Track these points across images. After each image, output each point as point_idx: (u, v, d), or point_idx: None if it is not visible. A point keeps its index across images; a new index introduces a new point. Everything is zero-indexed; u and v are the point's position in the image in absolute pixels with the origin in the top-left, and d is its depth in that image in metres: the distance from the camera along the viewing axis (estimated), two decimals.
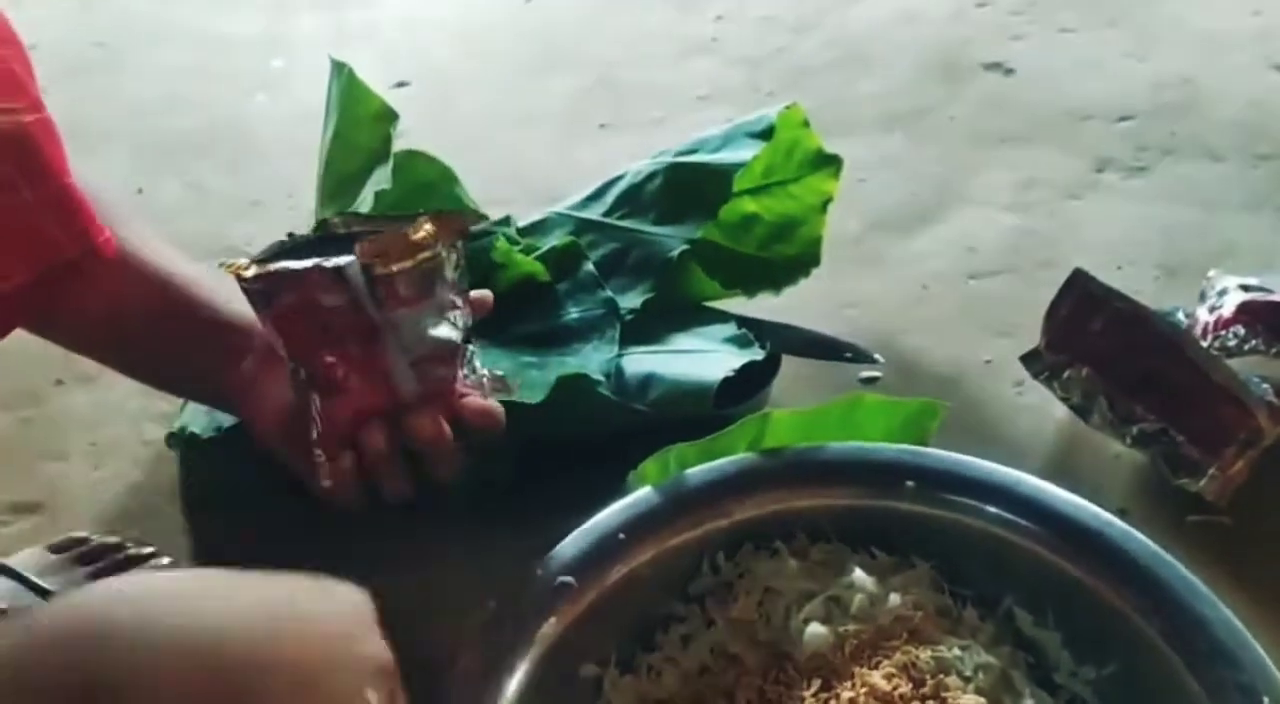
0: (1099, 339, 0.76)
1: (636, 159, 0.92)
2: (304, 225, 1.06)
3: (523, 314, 0.82)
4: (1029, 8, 1.17)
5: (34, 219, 0.64)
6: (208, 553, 0.81)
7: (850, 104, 1.11)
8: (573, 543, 0.63)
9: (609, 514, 0.64)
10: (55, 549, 0.79)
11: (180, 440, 0.83)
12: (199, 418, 0.81)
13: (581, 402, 0.75)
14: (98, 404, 0.94)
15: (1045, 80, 1.09)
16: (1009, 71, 1.11)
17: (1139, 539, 0.60)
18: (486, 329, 0.81)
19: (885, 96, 1.12)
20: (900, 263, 0.96)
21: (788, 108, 0.90)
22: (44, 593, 0.75)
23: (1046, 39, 1.13)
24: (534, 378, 0.77)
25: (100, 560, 0.79)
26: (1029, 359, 0.79)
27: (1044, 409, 0.81)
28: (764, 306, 0.88)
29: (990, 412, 0.82)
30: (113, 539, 0.80)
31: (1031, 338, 0.80)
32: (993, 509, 0.63)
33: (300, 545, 0.79)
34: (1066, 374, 0.78)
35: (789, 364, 0.83)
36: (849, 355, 0.85)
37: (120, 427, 0.92)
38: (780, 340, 0.84)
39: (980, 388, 0.84)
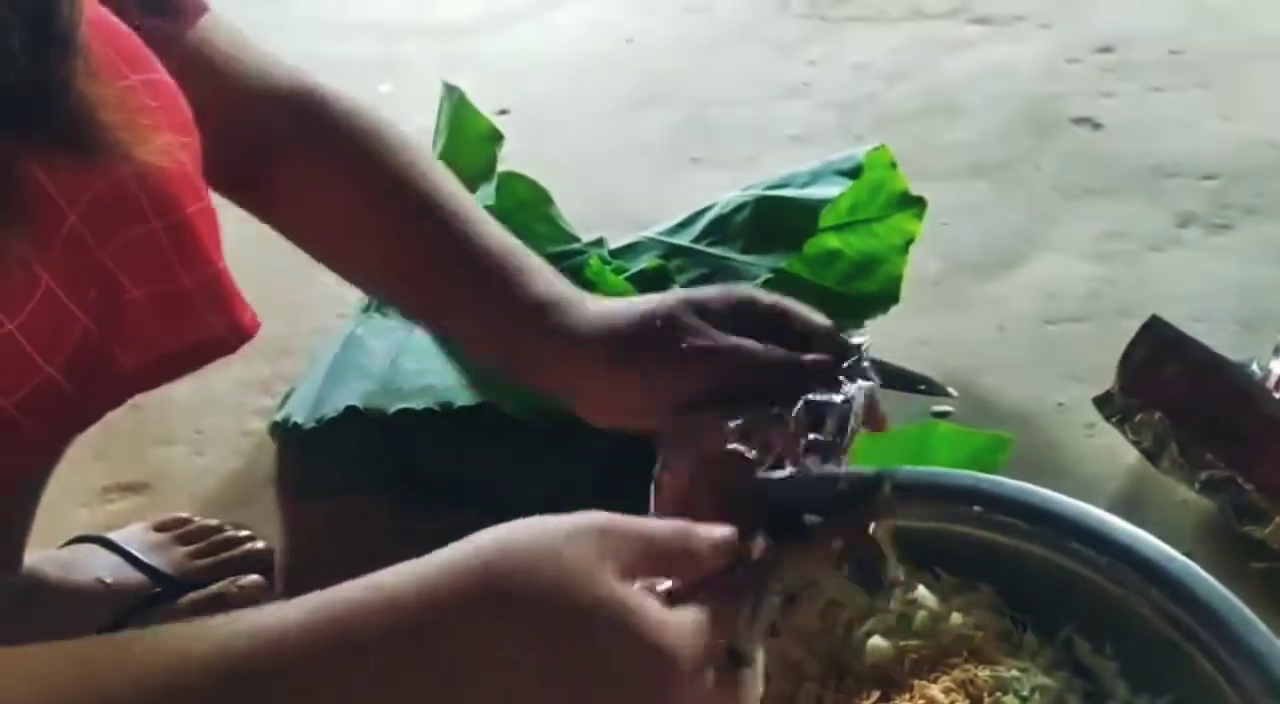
0: (1172, 385, 0.78)
1: (726, 193, 0.96)
2: None
3: None
4: (1120, 66, 1.19)
5: (188, 301, 0.67)
6: (301, 539, 0.85)
7: (938, 151, 1.14)
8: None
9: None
10: (159, 528, 0.84)
11: (283, 430, 0.88)
12: (302, 409, 0.85)
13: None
14: (203, 395, 1.00)
15: (1133, 136, 1.11)
16: (1097, 126, 1.13)
17: (1200, 574, 0.61)
18: None
19: (973, 145, 1.14)
20: (978, 305, 0.98)
21: (876, 148, 0.93)
22: (146, 568, 0.80)
23: (1136, 97, 1.15)
24: None
25: (200, 541, 0.83)
26: (1102, 402, 0.81)
27: (1115, 452, 0.82)
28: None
29: (1061, 452, 0.83)
30: (213, 522, 0.85)
31: (1105, 383, 0.82)
32: (1057, 538, 0.65)
33: (392, 539, 0.84)
34: (1139, 418, 0.79)
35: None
36: (923, 387, 0.86)
37: (223, 417, 0.98)
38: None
39: (1052, 429, 0.86)
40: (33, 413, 0.59)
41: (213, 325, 0.69)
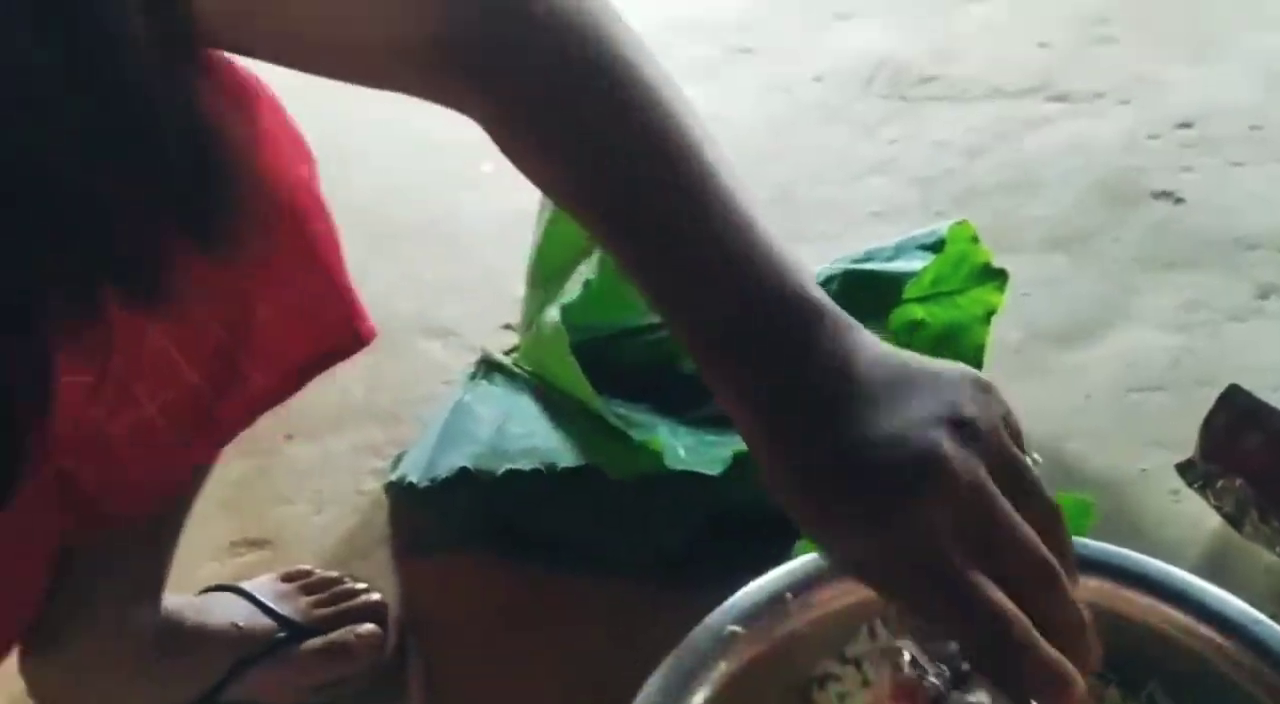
0: (1252, 453, 0.80)
1: (816, 265, 1.01)
2: (507, 309, 1.18)
3: (706, 396, 0.90)
4: (1199, 141, 1.22)
5: (314, 314, 0.74)
6: (414, 592, 0.91)
7: (1018, 225, 1.18)
8: (743, 598, 0.70)
9: (778, 575, 0.71)
10: (285, 579, 0.90)
11: (398, 489, 0.94)
12: (416, 469, 0.91)
13: (755, 476, 0.83)
14: (322, 458, 1.06)
15: (1212, 210, 1.14)
16: (1178, 200, 1.16)
17: None
18: (674, 408, 0.90)
19: (1053, 219, 1.18)
20: (1061, 374, 1.01)
21: (958, 223, 0.97)
22: (274, 615, 0.86)
23: (1216, 171, 1.18)
24: (713, 454, 0.85)
25: (321, 591, 0.89)
26: (1184, 468, 0.83)
27: (1198, 517, 0.84)
28: None
29: (1145, 516, 0.86)
30: (333, 574, 0.91)
31: (1188, 450, 0.84)
32: (1143, 597, 0.68)
33: (499, 592, 0.89)
34: (1220, 484, 0.81)
35: None
36: None
37: (340, 478, 1.04)
38: None
39: (1136, 494, 0.88)
40: (174, 420, 0.66)
41: (335, 334, 0.75)
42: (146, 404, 0.65)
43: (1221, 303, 1.04)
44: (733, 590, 0.70)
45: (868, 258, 0.98)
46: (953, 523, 0.44)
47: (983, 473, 0.45)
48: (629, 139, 0.52)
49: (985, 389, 0.49)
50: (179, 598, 0.85)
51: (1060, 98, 1.35)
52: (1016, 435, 0.49)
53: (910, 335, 0.99)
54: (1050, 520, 0.47)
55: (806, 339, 0.47)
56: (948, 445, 0.45)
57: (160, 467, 0.70)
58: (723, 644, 0.68)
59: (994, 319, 0.98)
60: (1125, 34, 1.43)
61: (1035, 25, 1.49)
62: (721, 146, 0.54)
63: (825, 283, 0.97)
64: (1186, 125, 1.24)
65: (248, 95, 0.69)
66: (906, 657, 0.54)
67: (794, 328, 0.47)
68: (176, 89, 0.50)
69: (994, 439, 0.47)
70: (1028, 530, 0.45)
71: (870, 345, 0.48)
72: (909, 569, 0.45)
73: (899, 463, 0.45)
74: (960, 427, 0.46)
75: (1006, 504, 0.45)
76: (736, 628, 0.69)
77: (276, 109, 0.71)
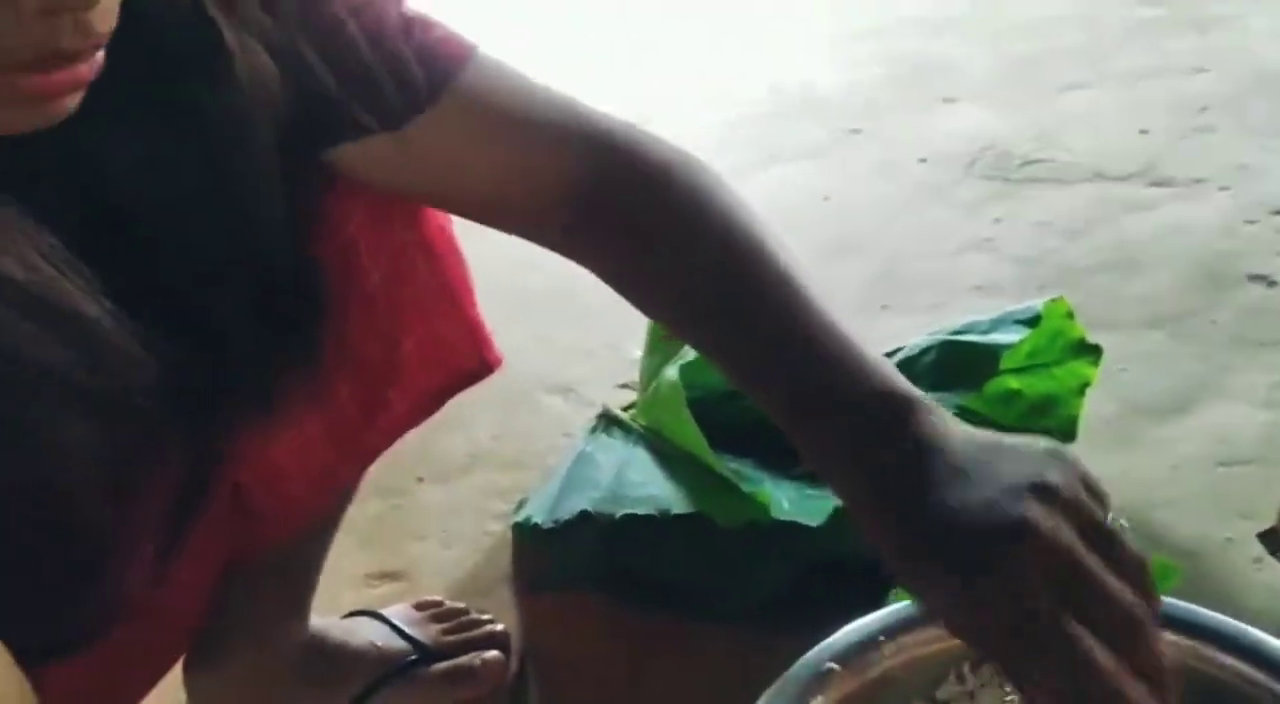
0: None
1: (915, 337, 1.07)
2: (624, 370, 1.26)
3: None
4: None
5: (448, 344, 0.85)
6: (533, 625, 0.99)
7: (1117, 303, 1.23)
8: (840, 639, 0.76)
9: (873, 619, 0.77)
10: (418, 607, 0.99)
11: (522, 529, 1.03)
12: (541, 512, 1.00)
13: (856, 531, 0.89)
14: (451, 499, 1.16)
15: None
16: (1271, 283, 1.20)
17: None
18: (779, 464, 0.97)
19: (1151, 299, 1.22)
20: (1153, 445, 1.06)
21: (1054, 300, 1.03)
22: (409, 639, 0.95)
23: None
24: (814, 506, 0.91)
25: (450, 620, 0.98)
26: (1266, 537, 0.87)
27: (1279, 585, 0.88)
28: None
29: (1227, 583, 0.90)
30: (460, 605, 0.99)
31: (1274, 521, 0.88)
32: (1227, 659, 0.72)
33: (613, 630, 0.97)
34: None
35: None
36: None
37: (467, 518, 1.13)
38: None
39: (1219, 562, 0.92)
40: (330, 442, 0.76)
41: (466, 362, 0.84)
42: (309, 427, 0.75)
43: None
44: (831, 633, 0.77)
45: (966, 330, 1.04)
46: (1040, 579, 0.48)
47: (1067, 532, 0.50)
48: (743, 297, 0.61)
49: (1066, 458, 0.54)
50: (324, 620, 0.94)
51: (1162, 183, 1.40)
52: (1099, 498, 0.54)
53: (1007, 405, 1.04)
54: (1136, 572, 0.52)
55: (900, 425, 0.54)
56: (1034, 509, 0.50)
57: (316, 485, 0.80)
58: (820, 679, 0.74)
59: (1089, 392, 1.03)
60: (1224, 121, 1.48)
61: (1136, 112, 1.55)
62: (816, 280, 0.62)
63: (924, 352, 1.04)
64: None
65: None
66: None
67: (887, 418, 0.54)
68: (299, 223, 0.62)
69: (1077, 502, 0.51)
70: (1114, 582, 0.50)
71: (955, 426, 0.55)
72: (1001, 626, 0.49)
73: (990, 527, 0.50)
74: (1045, 492, 0.51)
75: (1092, 559, 0.50)
76: (834, 665, 0.75)
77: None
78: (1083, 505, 0.52)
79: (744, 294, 0.61)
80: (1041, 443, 0.55)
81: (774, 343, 0.59)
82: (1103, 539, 0.52)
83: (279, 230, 0.61)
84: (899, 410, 0.54)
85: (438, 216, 0.81)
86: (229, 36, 0.56)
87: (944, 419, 0.55)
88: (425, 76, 0.64)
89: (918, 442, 0.53)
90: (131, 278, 0.54)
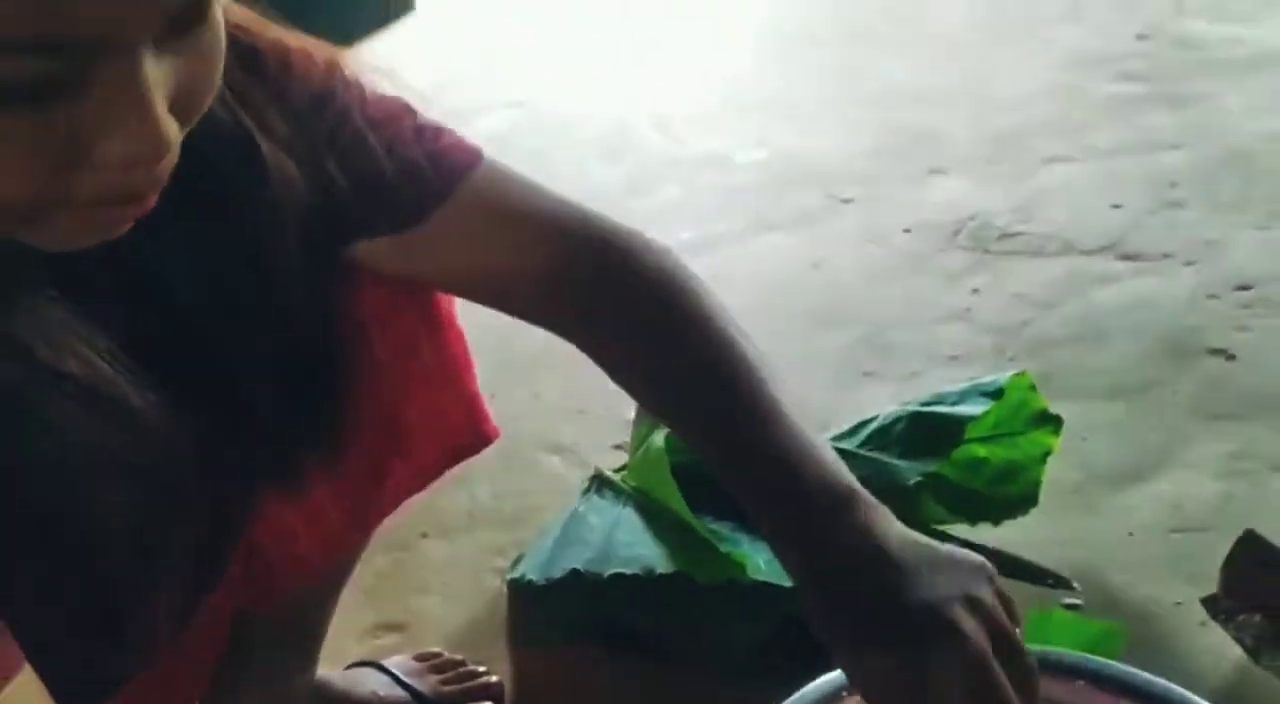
0: (1270, 591, 0.90)
1: (893, 404, 1.14)
2: (619, 431, 1.33)
3: None
4: (1256, 302, 1.33)
5: (447, 419, 0.92)
6: (526, 678, 1.05)
7: (1082, 374, 1.30)
8: (809, 691, 0.81)
9: (838, 675, 0.83)
10: (418, 659, 1.06)
11: (517, 586, 1.09)
12: (534, 570, 1.07)
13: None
14: (452, 554, 1.23)
15: (1264, 367, 1.24)
16: (1230, 357, 1.26)
17: None
18: (753, 527, 1.04)
19: (1115, 370, 1.29)
20: (1111, 512, 1.12)
21: (1017, 375, 1.10)
22: (409, 689, 1.02)
23: (1268, 331, 1.28)
24: None
25: (448, 671, 1.05)
26: (1209, 602, 0.94)
27: (1222, 649, 0.94)
28: (983, 534, 1.06)
29: (1173, 645, 0.96)
30: (458, 657, 1.06)
31: None
32: None
33: (602, 680, 1.03)
34: (1241, 619, 0.91)
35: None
36: (1051, 581, 1.01)
37: (467, 574, 1.20)
38: (993, 562, 1.01)
39: (1168, 625, 0.98)
40: (339, 505, 0.83)
41: (465, 436, 0.91)
42: (321, 493, 0.83)
43: (1266, 453, 1.14)
44: (801, 686, 0.83)
45: (935, 401, 1.11)
46: (959, 674, 0.58)
47: (985, 642, 0.59)
48: (704, 377, 0.69)
49: (990, 575, 0.63)
50: (329, 671, 1.01)
51: (1130, 257, 1.48)
52: (1013, 615, 0.63)
53: (975, 471, 1.11)
54: (1027, 678, 0.61)
55: (842, 515, 0.62)
56: (963, 618, 0.59)
57: (326, 545, 0.87)
58: None
59: (1052, 459, 1.10)
60: (1194, 198, 1.55)
61: (1111, 186, 1.63)
62: (778, 374, 0.69)
63: (896, 421, 1.10)
64: (1245, 287, 1.35)
65: None
66: None
67: (831, 508, 0.63)
68: (321, 311, 0.70)
69: (995, 615, 0.61)
70: (1009, 690, 0.59)
71: (893, 524, 0.63)
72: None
73: (926, 625, 0.59)
74: (972, 604, 0.60)
75: (998, 667, 0.59)
76: None
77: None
78: (1001, 621, 0.61)
79: (714, 388, 0.70)
80: (970, 556, 0.64)
81: (736, 435, 0.67)
82: (1011, 653, 0.60)
83: (305, 317, 0.69)
84: (841, 502, 0.63)
85: (441, 299, 0.88)
86: (264, 148, 0.64)
87: (883, 515, 0.64)
88: (436, 180, 0.72)
89: (855, 530, 0.62)
90: (172, 364, 0.62)
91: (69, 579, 0.60)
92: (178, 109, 0.49)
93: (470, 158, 0.74)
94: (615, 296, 0.75)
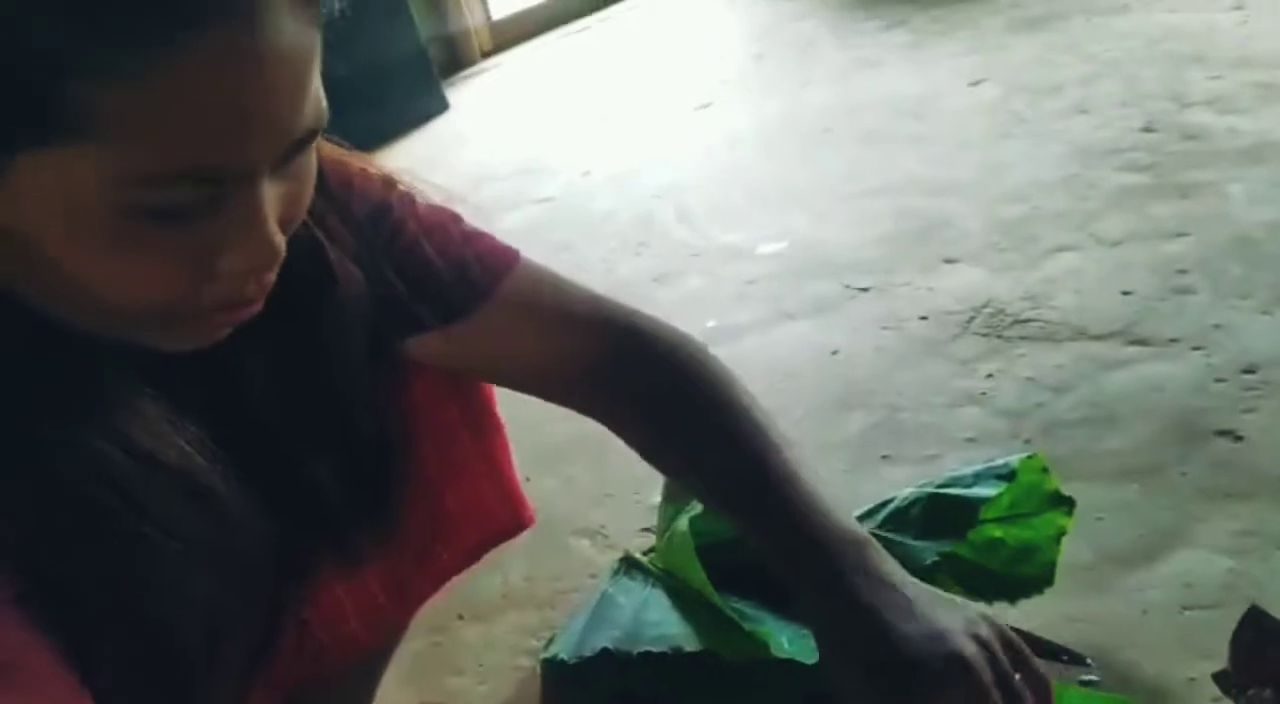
0: (1276, 665, 0.93)
1: (910, 486, 1.19)
2: (646, 515, 1.38)
3: None
4: (1262, 385, 1.37)
5: (488, 504, 0.98)
6: None
7: (1095, 456, 1.34)
8: None
9: None
10: None
11: (549, 665, 1.13)
12: (566, 649, 1.11)
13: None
14: (486, 636, 1.27)
15: (1271, 447, 1.28)
16: (1238, 438, 1.30)
17: None
18: (777, 605, 1.08)
19: (1126, 452, 1.33)
20: (1124, 590, 1.15)
21: (1029, 457, 1.14)
22: None
23: (1275, 412, 1.32)
24: (810, 646, 1.01)
25: None
26: (1219, 678, 0.97)
27: None
28: (999, 612, 1.10)
29: None
30: None
31: None
32: None
33: None
34: (1250, 693, 0.94)
35: None
36: (1065, 658, 1.05)
37: (501, 654, 1.24)
38: None
39: (1182, 699, 1.01)
40: (384, 587, 0.88)
41: (503, 521, 0.97)
42: (368, 576, 0.88)
43: (1273, 530, 1.17)
44: None
45: (950, 483, 1.16)
46: (963, 695, 0.66)
47: (990, 676, 0.67)
48: (731, 449, 0.78)
49: (991, 617, 0.73)
50: None
51: (1139, 342, 1.52)
52: (1009, 644, 0.71)
53: (991, 552, 1.15)
54: (1041, 687, 0.69)
55: (855, 561, 0.71)
56: (970, 649, 0.67)
57: (372, 626, 0.92)
58: None
59: (1066, 539, 1.14)
60: (1201, 283, 1.60)
61: (1120, 274, 1.68)
62: (796, 444, 0.80)
63: (912, 504, 1.15)
64: (1251, 370, 1.40)
65: None
66: None
67: (847, 556, 0.71)
68: (380, 403, 0.77)
69: (1001, 633, 0.72)
70: None
71: (900, 570, 0.72)
72: None
73: (937, 657, 0.67)
74: (978, 640, 0.69)
75: (999, 696, 0.67)
76: None
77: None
78: (1007, 635, 0.70)
79: (737, 459, 0.79)
80: (970, 603, 0.72)
81: (761, 501, 0.77)
82: (1019, 663, 0.70)
83: (367, 408, 0.76)
84: (858, 547, 0.73)
85: (483, 393, 0.95)
86: (333, 257, 0.72)
87: (888, 560, 0.73)
88: (481, 280, 0.82)
89: (869, 575, 0.71)
90: (247, 454, 0.68)
91: (148, 656, 0.66)
92: (283, 223, 0.57)
93: (509, 258, 0.83)
94: (644, 380, 0.83)
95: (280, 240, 0.57)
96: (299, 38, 0.53)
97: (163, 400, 0.64)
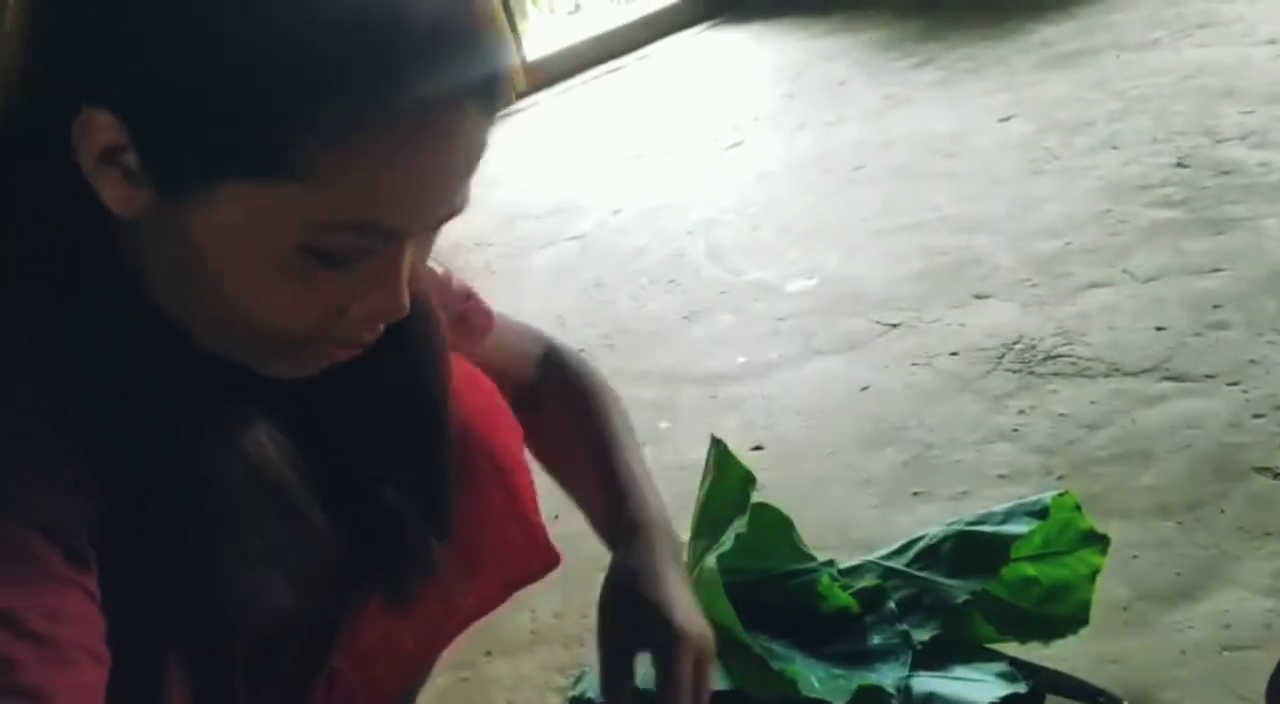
0: None
1: (941, 524, 1.18)
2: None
3: (837, 635, 1.07)
4: None
5: (513, 546, 0.98)
6: None
7: (1130, 492, 1.32)
8: None
9: None
10: None
11: (578, 702, 1.13)
12: (595, 686, 1.10)
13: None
14: (515, 672, 1.27)
15: None
16: (1277, 475, 1.28)
17: None
18: (808, 644, 1.07)
19: (1162, 488, 1.32)
20: (1162, 630, 1.14)
21: (1061, 494, 1.13)
22: None
23: None
24: (840, 685, 1.01)
25: None
26: None
27: None
28: (1034, 652, 1.08)
29: None
30: None
31: None
32: None
33: None
34: None
35: (1052, 701, 1.03)
36: (1102, 700, 1.03)
37: (529, 692, 1.24)
38: (1044, 680, 1.04)
39: None
40: (412, 630, 0.89)
41: (529, 562, 0.98)
42: (396, 619, 0.88)
43: None
44: None
45: (981, 521, 1.14)
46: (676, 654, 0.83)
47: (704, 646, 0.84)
48: (596, 446, 0.97)
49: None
50: None
51: (1175, 378, 1.51)
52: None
53: (1024, 590, 1.13)
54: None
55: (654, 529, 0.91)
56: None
57: (399, 667, 0.93)
58: None
59: (1100, 578, 1.12)
60: (1236, 318, 1.59)
61: (1153, 309, 1.67)
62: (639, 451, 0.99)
63: (943, 540, 1.14)
64: None
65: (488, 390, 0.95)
66: None
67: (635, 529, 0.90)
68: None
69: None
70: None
71: (667, 547, 0.91)
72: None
73: (687, 616, 0.85)
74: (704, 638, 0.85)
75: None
76: None
77: (494, 392, 0.97)
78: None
79: (584, 455, 0.97)
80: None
81: (594, 485, 0.95)
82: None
83: (446, 441, 0.82)
84: (647, 527, 0.91)
85: (512, 442, 0.97)
86: (427, 298, 0.79)
87: (674, 541, 0.93)
88: (482, 322, 0.96)
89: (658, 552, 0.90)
90: (331, 475, 0.73)
91: (208, 654, 0.69)
92: (409, 283, 0.64)
93: (490, 308, 0.98)
94: (547, 398, 1.00)
95: (407, 300, 0.64)
96: (484, 132, 0.62)
97: (263, 420, 0.69)
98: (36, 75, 0.60)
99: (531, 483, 0.99)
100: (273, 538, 0.67)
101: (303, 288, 0.61)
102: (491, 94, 0.61)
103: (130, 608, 0.61)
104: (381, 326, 0.66)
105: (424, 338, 0.78)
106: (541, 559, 0.99)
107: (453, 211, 0.63)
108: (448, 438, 0.81)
